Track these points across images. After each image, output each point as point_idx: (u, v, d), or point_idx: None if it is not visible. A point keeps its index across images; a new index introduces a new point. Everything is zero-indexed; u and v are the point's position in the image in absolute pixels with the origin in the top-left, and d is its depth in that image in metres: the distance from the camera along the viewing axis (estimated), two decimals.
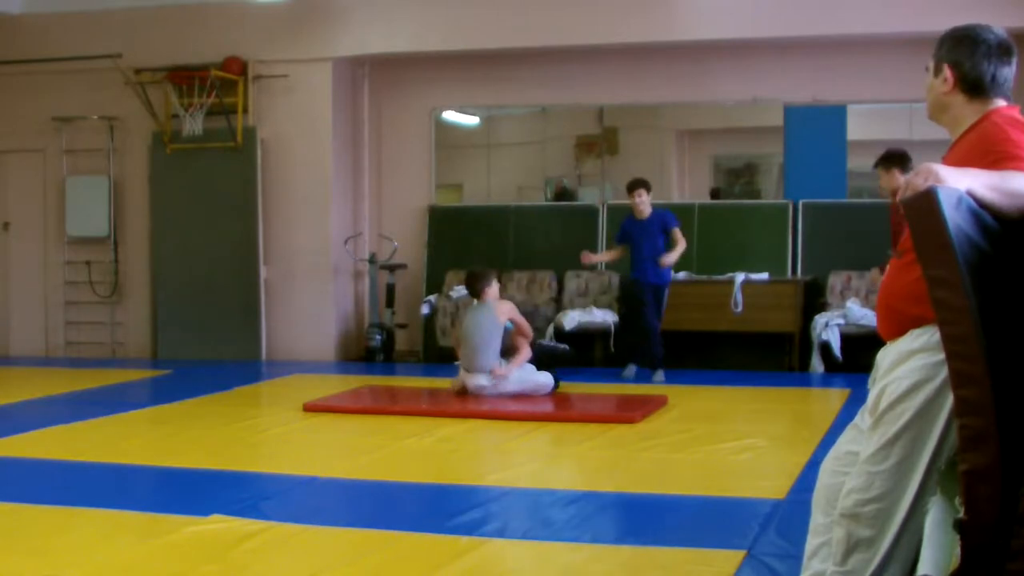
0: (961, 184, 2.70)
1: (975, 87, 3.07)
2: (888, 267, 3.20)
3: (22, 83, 12.09)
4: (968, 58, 3.07)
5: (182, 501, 5.57)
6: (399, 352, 11.62)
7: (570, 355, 9.13)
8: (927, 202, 2.64)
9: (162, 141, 11.68)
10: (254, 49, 11.51)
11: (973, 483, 2.68)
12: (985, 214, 2.71)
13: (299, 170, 11.55)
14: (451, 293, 11.22)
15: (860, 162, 11.08)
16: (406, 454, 6.84)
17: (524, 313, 10.66)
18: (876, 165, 7.77)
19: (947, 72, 3.09)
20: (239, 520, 5.07)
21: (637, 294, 9.77)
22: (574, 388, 8.84)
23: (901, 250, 3.09)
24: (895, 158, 7.57)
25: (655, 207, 9.82)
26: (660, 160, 11.81)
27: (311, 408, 8.22)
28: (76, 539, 4.93)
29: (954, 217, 2.62)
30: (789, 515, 5.12)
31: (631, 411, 7.83)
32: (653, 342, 9.68)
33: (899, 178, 7.50)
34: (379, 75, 11.97)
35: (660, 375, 9.59)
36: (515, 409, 8.14)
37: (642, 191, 9.68)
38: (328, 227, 11.54)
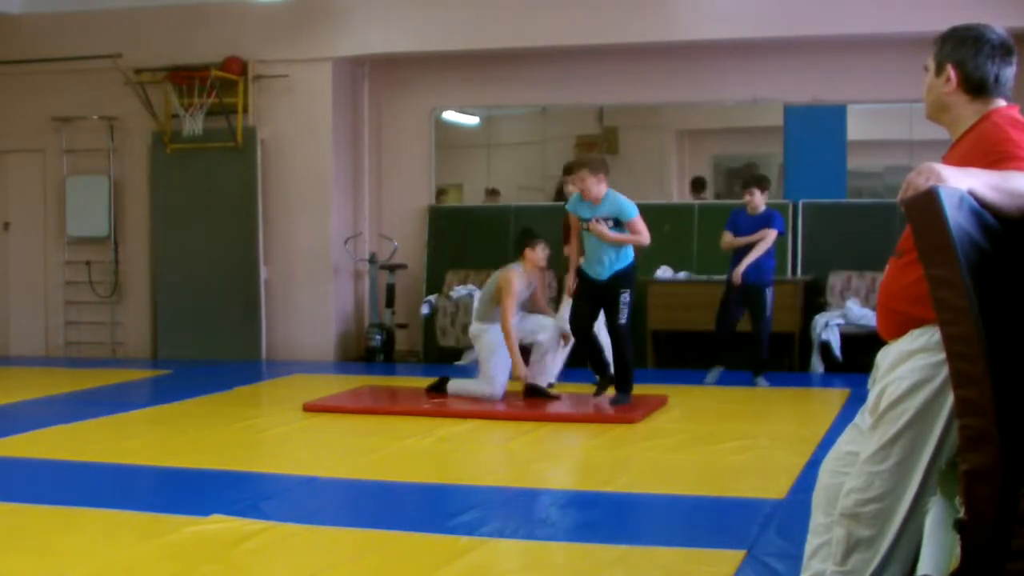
0: (962, 184, 2.70)
1: (979, 88, 3.07)
2: (888, 268, 3.20)
3: (22, 83, 12.08)
4: (972, 58, 3.07)
5: (182, 501, 5.57)
6: (399, 352, 11.62)
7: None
8: (929, 202, 2.64)
9: (162, 141, 11.69)
10: (254, 49, 11.51)
11: (973, 483, 2.68)
12: (986, 214, 2.71)
13: (299, 170, 11.55)
14: (451, 293, 11.22)
15: (860, 162, 11.09)
16: (406, 454, 6.85)
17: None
18: (566, 171, 8.82)
19: (950, 72, 3.08)
20: (239, 520, 5.07)
21: (727, 292, 9.41)
22: (575, 388, 8.83)
23: (901, 250, 3.09)
24: (595, 162, 8.18)
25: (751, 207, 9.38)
26: (660, 160, 11.80)
27: (311, 408, 8.22)
28: (76, 539, 4.93)
29: (956, 217, 2.62)
30: (789, 515, 5.13)
31: (631, 411, 7.83)
32: (718, 344, 9.44)
33: (593, 184, 8.06)
34: (379, 75, 11.97)
35: (762, 380, 9.34)
36: (515, 409, 8.15)
37: (755, 190, 9.30)
38: (328, 227, 11.54)
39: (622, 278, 8.02)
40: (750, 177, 9.63)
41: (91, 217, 12.00)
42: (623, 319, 8.04)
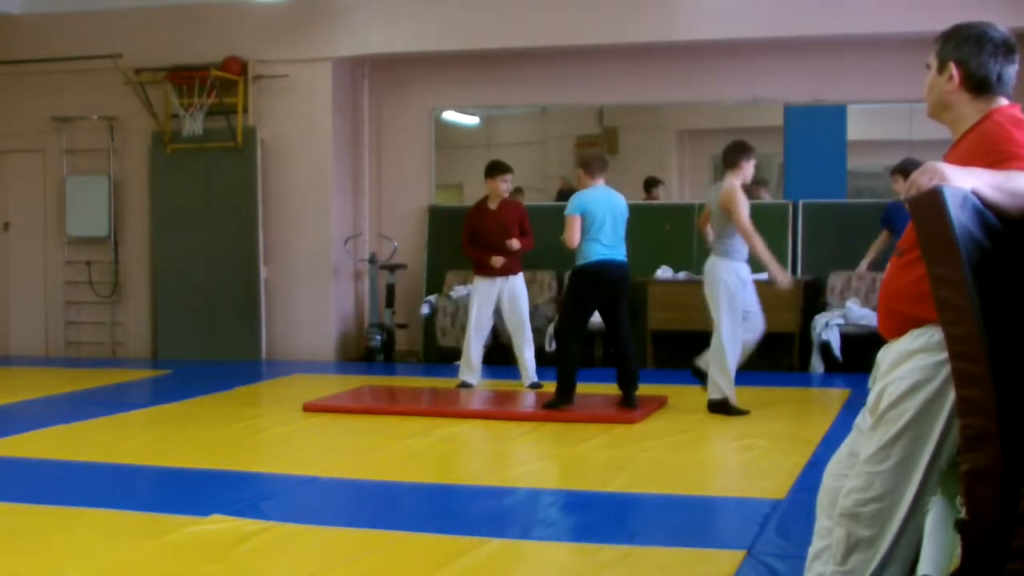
0: (966, 183, 2.70)
1: (981, 86, 3.06)
2: (888, 266, 3.20)
3: (22, 83, 12.08)
4: (975, 57, 3.06)
5: (182, 501, 5.56)
6: (399, 352, 11.61)
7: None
8: (932, 201, 2.64)
9: (162, 141, 11.68)
10: (254, 49, 11.50)
11: (974, 483, 2.68)
12: (989, 213, 2.71)
13: (299, 170, 11.54)
14: (451, 293, 11.22)
15: (860, 162, 11.09)
16: (406, 454, 6.84)
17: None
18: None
19: (953, 70, 3.08)
20: (239, 520, 5.07)
21: None
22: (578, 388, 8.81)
23: (901, 249, 3.09)
24: (580, 156, 8.45)
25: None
26: (660, 160, 11.80)
27: (311, 408, 8.22)
28: (76, 539, 4.93)
29: (959, 216, 2.62)
30: (789, 515, 5.13)
31: (631, 411, 7.82)
32: None
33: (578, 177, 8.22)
34: (379, 75, 11.97)
35: None
36: (515, 409, 8.14)
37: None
38: (328, 227, 11.54)
39: (571, 277, 8.12)
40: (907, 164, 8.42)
41: (91, 217, 12.00)
42: (563, 319, 8.10)
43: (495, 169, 9.22)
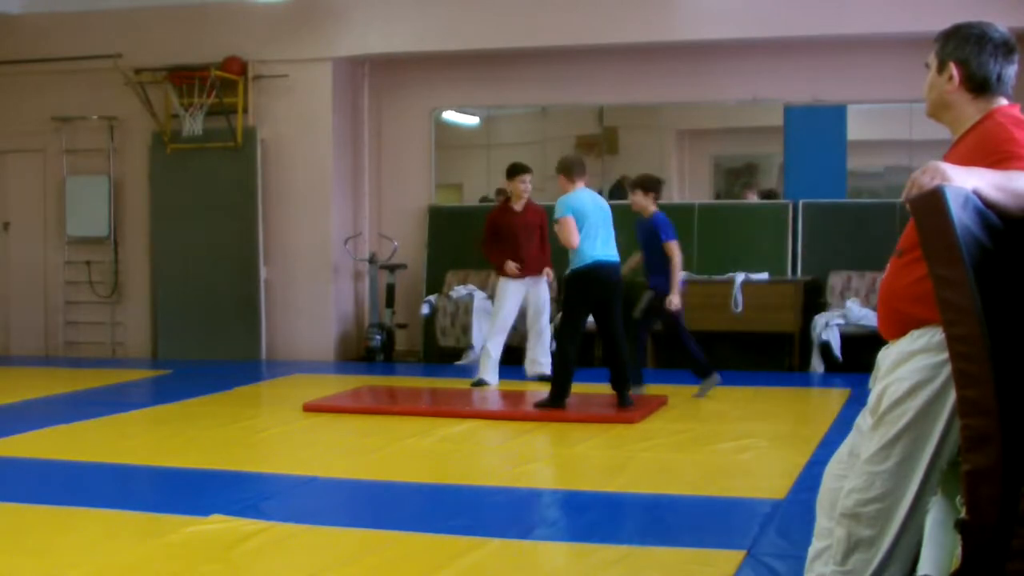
0: (968, 183, 2.69)
1: (981, 86, 3.06)
2: (888, 267, 3.19)
3: (22, 83, 12.08)
4: (975, 57, 3.06)
5: (182, 501, 5.57)
6: (399, 352, 11.61)
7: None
8: (934, 201, 2.63)
9: (162, 141, 11.68)
10: (254, 49, 11.50)
11: (975, 484, 2.67)
12: (990, 214, 2.70)
13: (299, 170, 11.54)
14: (451, 293, 11.22)
15: (860, 162, 11.09)
16: (406, 454, 6.84)
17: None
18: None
19: (953, 70, 3.07)
20: (239, 520, 5.07)
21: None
22: (574, 388, 8.81)
23: (901, 249, 3.08)
24: (559, 164, 8.25)
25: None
26: (660, 160, 11.79)
27: (311, 408, 8.22)
28: (76, 539, 4.93)
29: (961, 216, 2.61)
30: (789, 515, 5.13)
31: (631, 411, 7.83)
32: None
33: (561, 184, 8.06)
34: (379, 75, 11.96)
35: None
36: (515, 409, 8.14)
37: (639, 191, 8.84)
38: (328, 227, 11.54)
39: (567, 280, 8.09)
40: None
41: (91, 217, 12.00)
42: (563, 322, 8.14)
43: (514, 170, 9.35)
